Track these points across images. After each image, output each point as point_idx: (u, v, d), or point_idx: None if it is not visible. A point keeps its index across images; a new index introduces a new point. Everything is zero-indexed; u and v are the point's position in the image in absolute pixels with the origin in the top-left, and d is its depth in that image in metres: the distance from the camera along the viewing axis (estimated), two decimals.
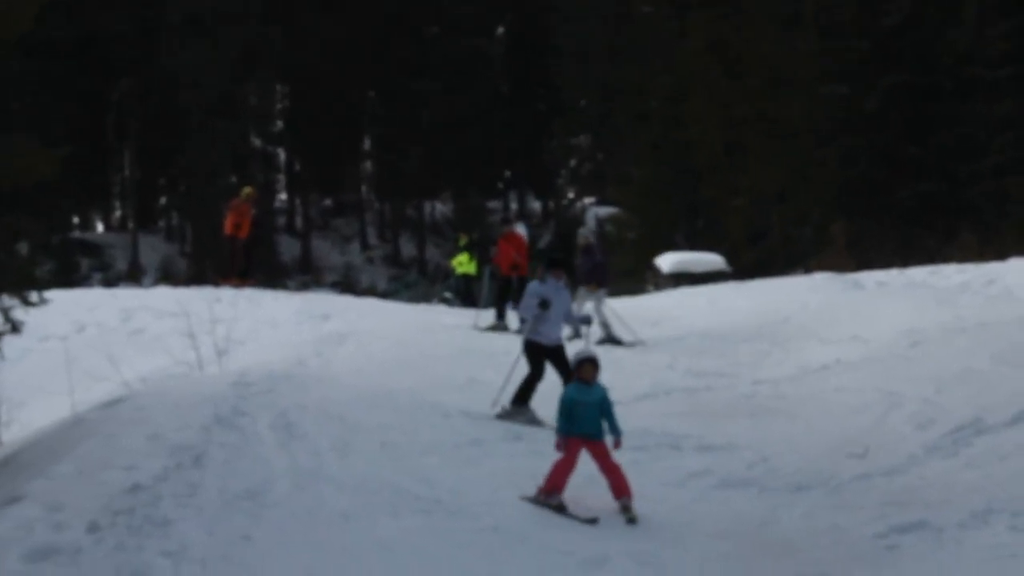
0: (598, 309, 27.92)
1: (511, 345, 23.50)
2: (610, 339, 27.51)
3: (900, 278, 32.32)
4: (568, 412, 15.71)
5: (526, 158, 76.08)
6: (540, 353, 20.62)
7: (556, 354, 20.67)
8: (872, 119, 50.95)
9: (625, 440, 16.14)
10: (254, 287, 34.40)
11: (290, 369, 22.28)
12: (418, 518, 14.33)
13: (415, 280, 60.79)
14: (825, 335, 24.08)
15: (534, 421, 19.98)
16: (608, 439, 15.96)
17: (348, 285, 54.97)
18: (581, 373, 15.90)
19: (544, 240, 66.29)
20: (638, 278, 43.90)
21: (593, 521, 14.88)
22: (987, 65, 49.90)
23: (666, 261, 43.46)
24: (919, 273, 32.84)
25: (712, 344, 25.98)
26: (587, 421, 15.78)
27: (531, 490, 15.65)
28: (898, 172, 49.60)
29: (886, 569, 13.47)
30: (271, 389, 19.98)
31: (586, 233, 29.94)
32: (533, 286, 21.05)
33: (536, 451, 17.48)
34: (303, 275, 61.67)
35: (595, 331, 25.86)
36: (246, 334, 26.48)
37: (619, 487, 15.40)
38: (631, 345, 27.10)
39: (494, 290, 30.27)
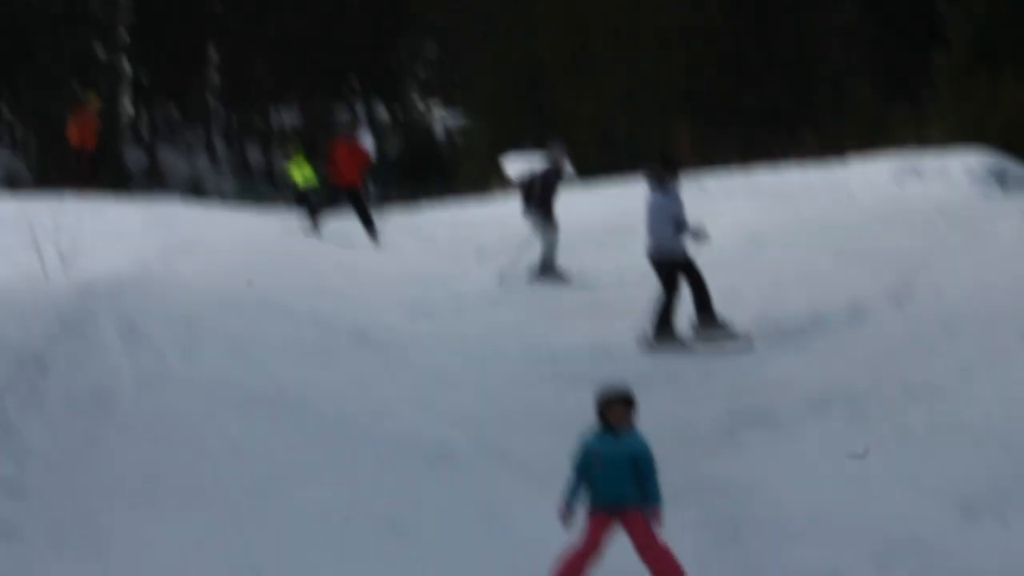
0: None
1: (357, 256, 23.74)
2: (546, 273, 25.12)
3: (743, 180, 32.67)
4: (583, 470, 10.82)
5: (373, 66, 75.80)
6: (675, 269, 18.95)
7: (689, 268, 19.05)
8: (716, 26, 51.35)
9: (475, 341, 15.87)
10: (101, 195, 34.09)
11: (137, 276, 22.20)
12: (265, 418, 14.40)
13: (262, 189, 60.52)
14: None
15: (684, 347, 18.50)
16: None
17: (195, 194, 54.50)
18: (609, 416, 10.92)
19: (394, 149, 66.26)
20: (485, 183, 43.93)
21: None
22: None
23: (512, 165, 43.59)
24: (762, 175, 33.24)
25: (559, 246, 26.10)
26: (614, 485, 10.69)
27: (381, 388, 15.72)
28: (742, 77, 50.02)
29: (728, 457, 13.80)
30: (117, 295, 19.97)
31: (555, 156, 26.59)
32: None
33: (384, 355, 17.59)
34: (150, 184, 61.21)
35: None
36: (92, 243, 26.25)
37: (663, 572, 10.41)
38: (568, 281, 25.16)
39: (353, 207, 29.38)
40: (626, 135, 48.87)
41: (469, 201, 35.76)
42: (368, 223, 28.81)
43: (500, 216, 30.02)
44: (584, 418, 13.95)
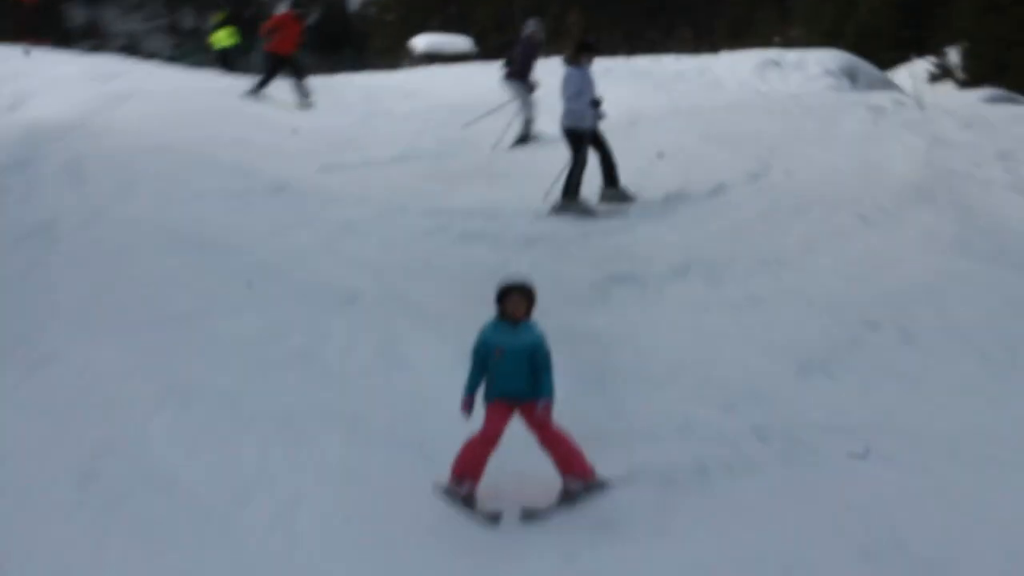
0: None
1: (280, 115, 23.75)
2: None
3: (625, 65, 32.78)
4: (482, 362, 10.19)
5: None
6: (583, 139, 18.55)
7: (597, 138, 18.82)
8: None
9: (382, 197, 15.83)
10: (45, 47, 33.74)
11: (79, 121, 22.12)
12: (193, 256, 14.53)
13: (193, 50, 59.75)
14: (555, 110, 24.53)
15: (588, 211, 18.24)
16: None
17: (133, 51, 53.80)
18: (507, 307, 10.22)
19: (313, 18, 65.52)
20: (395, 57, 43.83)
21: (495, 518, 9.86)
22: None
23: (420, 42, 43.64)
24: (642, 62, 33.33)
25: (457, 116, 26.09)
26: (512, 376, 10.12)
27: (296, 235, 15.86)
28: None
29: (598, 311, 13.99)
30: (61, 138, 19.96)
31: (532, 31, 25.43)
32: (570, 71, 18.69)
33: (300, 206, 17.65)
34: (90, 40, 60.34)
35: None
36: (36, 91, 26.06)
37: (568, 460, 10.07)
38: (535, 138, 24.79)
39: (268, 66, 28.63)
40: (522, 21, 48.70)
41: (380, 73, 35.58)
42: (303, 88, 28.37)
43: (409, 85, 30.06)
44: (474, 269, 14.24)
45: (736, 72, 29.42)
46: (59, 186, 17.16)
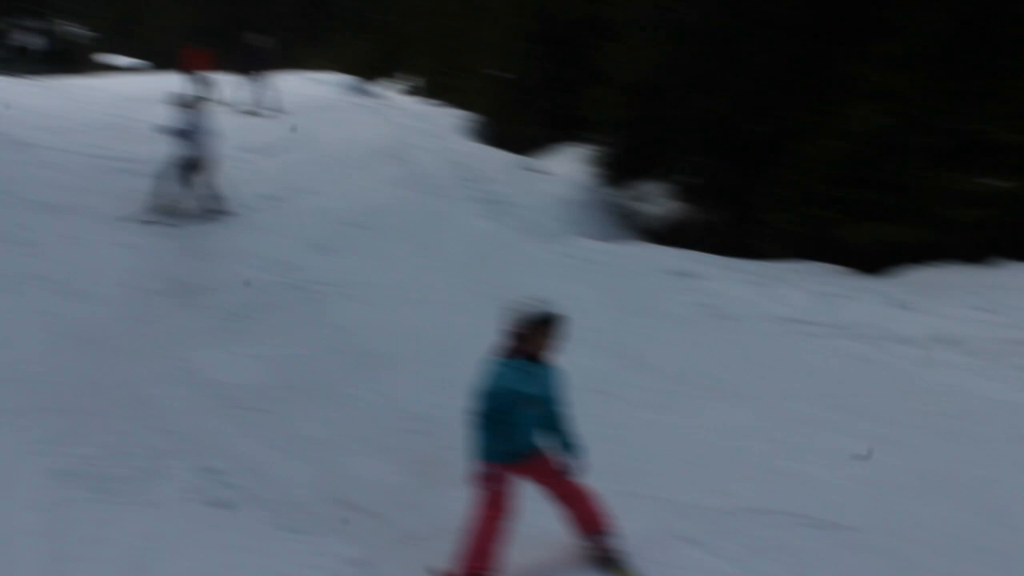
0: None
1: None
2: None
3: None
4: (500, 417, 4.78)
5: None
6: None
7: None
8: None
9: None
10: None
11: None
12: None
13: None
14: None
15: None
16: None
17: None
18: (537, 341, 4.88)
19: (43, 44, 59.68)
20: (98, 69, 40.41)
21: None
22: None
23: (115, 61, 40.91)
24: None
25: (131, 104, 24.01)
26: (528, 430, 4.97)
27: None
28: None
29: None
30: None
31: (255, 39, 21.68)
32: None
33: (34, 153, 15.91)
34: None
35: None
36: None
37: (588, 519, 5.12)
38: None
39: None
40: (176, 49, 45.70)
41: (87, 78, 32.67)
42: None
43: (104, 87, 27.82)
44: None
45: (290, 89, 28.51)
46: None
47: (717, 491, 6.27)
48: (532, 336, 4.85)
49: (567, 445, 5.10)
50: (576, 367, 5.46)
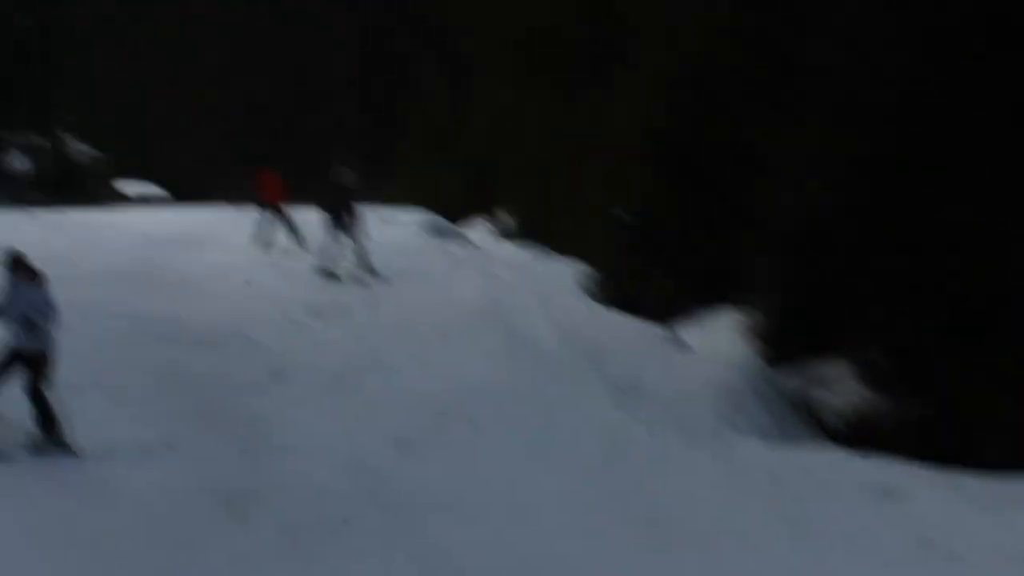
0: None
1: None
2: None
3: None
4: None
5: (36, 104, 71.87)
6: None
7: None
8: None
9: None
10: None
11: None
12: None
13: None
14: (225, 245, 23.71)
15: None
16: None
17: None
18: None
19: (46, 165, 62.94)
20: (110, 199, 42.32)
21: None
22: (341, 92, 50.82)
23: (130, 189, 42.98)
24: None
25: (151, 243, 24.94)
26: None
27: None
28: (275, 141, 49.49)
29: None
30: None
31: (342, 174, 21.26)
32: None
33: None
34: None
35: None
36: None
37: None
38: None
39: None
40: (205, 174, 47.77)
41: (98, 210, 34.14)
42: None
43: (119, 223, 28.94)
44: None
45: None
46: None
47: None
48: None
49: None
50: None
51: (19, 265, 11.36)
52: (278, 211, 23.35)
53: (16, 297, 11.21)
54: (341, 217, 20.62)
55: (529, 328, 17.30)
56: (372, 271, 20.40)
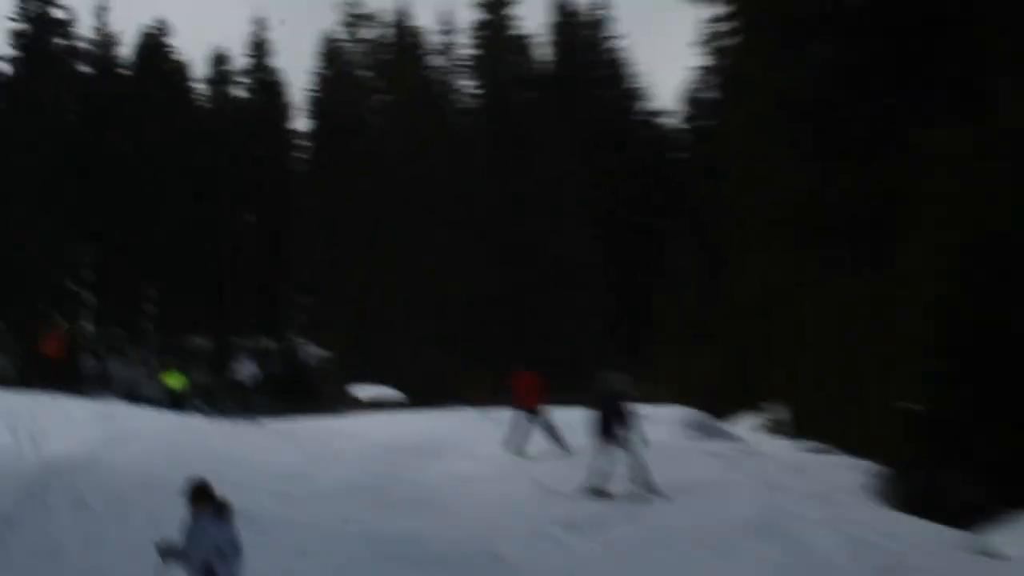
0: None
1: (243, 448, 23.23)
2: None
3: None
4: None
5: (266, 308, 75.46)
6: None
7: None
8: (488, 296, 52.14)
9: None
10: (63, 394, 33.12)
11: (86, 459, 21.52)
12: None
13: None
14: (468, 452, 24.03)
15: None
16: None
17: (133, 396, 53.17)
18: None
19: (276, 370, 65.66)
20: (342, 404, 43.51)
21: None
22: (581, 270, 51.79)
23: (361, 393, 43.79)
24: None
25: (390, 454, 25.41)
26: None
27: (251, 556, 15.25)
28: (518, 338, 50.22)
29: None
30: (71, 472, 19.42)
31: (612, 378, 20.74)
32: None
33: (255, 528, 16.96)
34: (100, 387, 60.00)
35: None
36: (55, 430, 25.40)
37: None
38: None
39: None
40: (441, 376, 48.84)
41: (329, 417, 35.11)
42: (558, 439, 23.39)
43: (351, 430, 29.60)
44: None
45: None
46: (67, 515, 16.57)
47: None
48: None
49: None
50: None
51: (203, 496, 10.94)
52: (534, 414, 23.51)
53: (198, 534, 10.73)
54: (611, 425, 19.95)
55: (813, 539, 16.64)
56: (649, 486, 19.64)
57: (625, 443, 19.90)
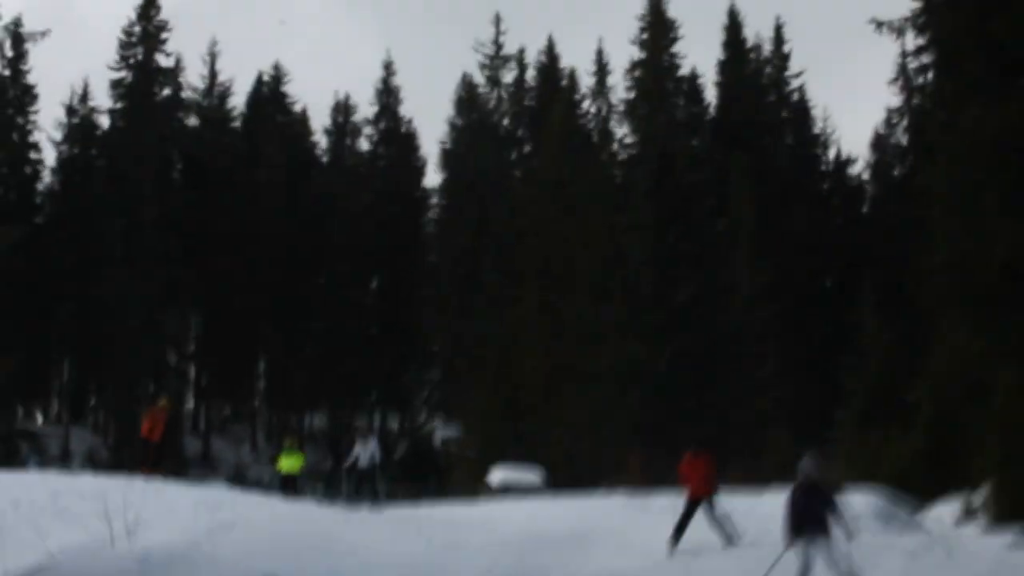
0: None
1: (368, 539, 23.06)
2: None
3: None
4: None
5: (388, 383, 75.82)
6: None
7: None
8: (663, 372, 51.66)
9: None
10: (162, 478, 33.39)
11: (186, 550, 21.52)
12: None
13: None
14: (619, 544, 23.58)
15: None
16: None
17: (239, 479, 53.75)
18: None
19: (400, 451, 65.82)
20: (474, 489, 43.35)
21: None
22: (754, 339, 51.26)
23: (495, 476, 43.29)
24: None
25: (527, 547, 25.07)
26: None
27: None
28: (681, 415, 49.94)
29: None
30: (169, 565, 19.37)
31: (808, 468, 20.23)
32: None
33: None
34: (203, 469, 60.63)
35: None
36: (152, 517, 25.54)
37: None
38: None
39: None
40: (588, 457, 48.57)
41: (459, 503, 34.89)
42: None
43: (485, 516, 29.30)
44: None
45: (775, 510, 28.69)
46: None
47: None
48: None
49: None
50: None
51: None
52: (705, 501, 23.25)
53: None
54: (810, 519, 19.34)
55: None
56: None
57: (828, 538, 19.29)
